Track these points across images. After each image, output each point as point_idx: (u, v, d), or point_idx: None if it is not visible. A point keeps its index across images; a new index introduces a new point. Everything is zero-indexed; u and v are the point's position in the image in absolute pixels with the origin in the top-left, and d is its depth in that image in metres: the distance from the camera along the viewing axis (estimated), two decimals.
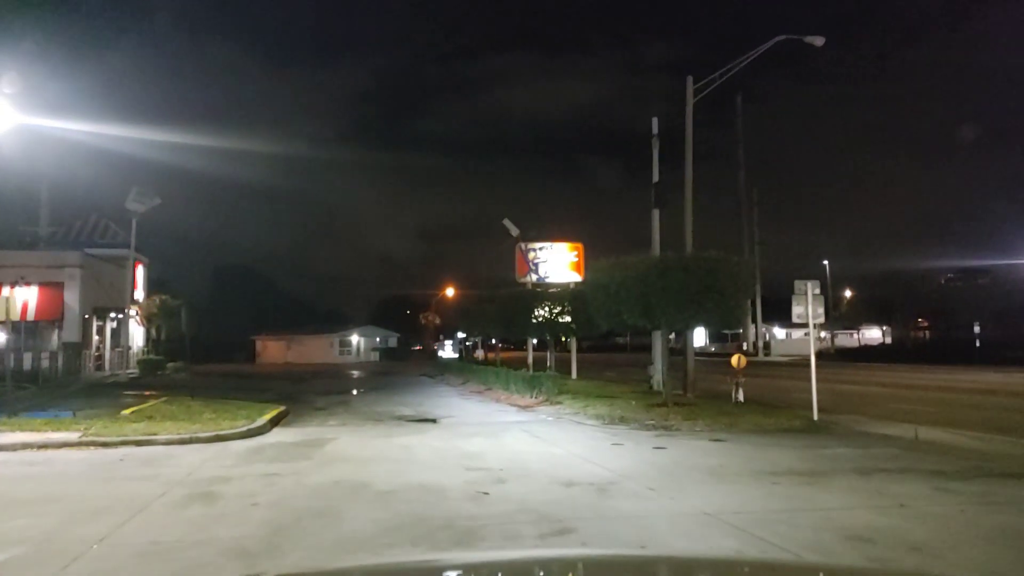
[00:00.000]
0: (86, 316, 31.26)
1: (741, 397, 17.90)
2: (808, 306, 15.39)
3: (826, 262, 63.41)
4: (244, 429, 13.12)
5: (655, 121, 24.87)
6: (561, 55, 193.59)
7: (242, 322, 76.96)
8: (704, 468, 9.38)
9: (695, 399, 18.81)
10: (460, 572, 2.85)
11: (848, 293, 71.74)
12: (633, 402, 17.79)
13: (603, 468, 9.50)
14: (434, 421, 15.82)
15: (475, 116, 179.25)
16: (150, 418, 14.33)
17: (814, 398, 15.06)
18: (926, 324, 59.56)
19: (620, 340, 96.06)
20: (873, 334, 72.45)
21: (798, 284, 15.42)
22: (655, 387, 23.72)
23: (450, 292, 67.39)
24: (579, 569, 2.81)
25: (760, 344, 73.36)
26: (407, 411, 18.24)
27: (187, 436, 12.22)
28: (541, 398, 19.68)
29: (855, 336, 73.16)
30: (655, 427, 14.12)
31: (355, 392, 26.33)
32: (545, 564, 3.04)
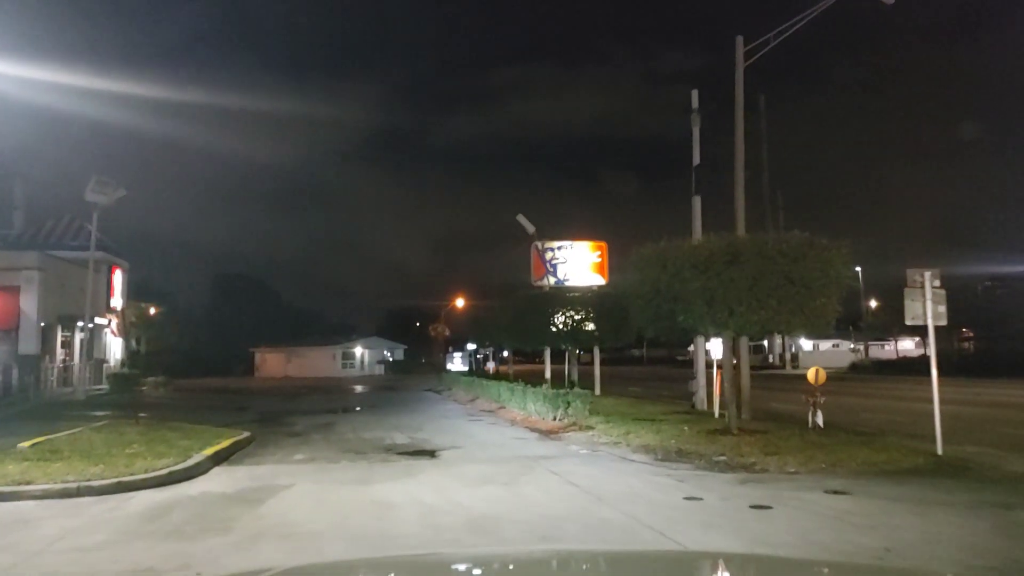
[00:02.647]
0: (45, 325, 27.74)
1: (820, 421, 14.11)
2: (926, 302, 11.65)
3: (859, 268, 59.29)
4: (164, 472, 9.44)
5: (695, 94, 21.32)
6: (577, 66, 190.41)
7: (243, 334, 73.42)
8: (865, 556, 5.64)
9: (760, 423, 15.06)
10: (470, 564, 2.74)
11: (873, 303, 67.38)
12: (685, 427, 14.05)
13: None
14: (432, 455, 12.12)
15: (490, 128, 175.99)
16: (52, 454, 10.68)
17: (937, 425, 11.32)
18: (970, 334, 55.29)
19: (636, 352, 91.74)
20: (904, 345, 68.08)
21: (912, 274, 11.67)
22: (698, 405, 20.08)
23: (460, 303, 63.69)
24: (599, 563, 2.77)
25: (787, 356, 69.16)
26: (400, 439, 14.55)
27: (75, 485, 8.55)
28: (567, 421, 15.96)
29: (886, 347, 68.83)
30: (730, 466, 10.38)
31: (346, 411, 22.66)
32: (562, 558, 2.98)
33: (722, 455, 11.01)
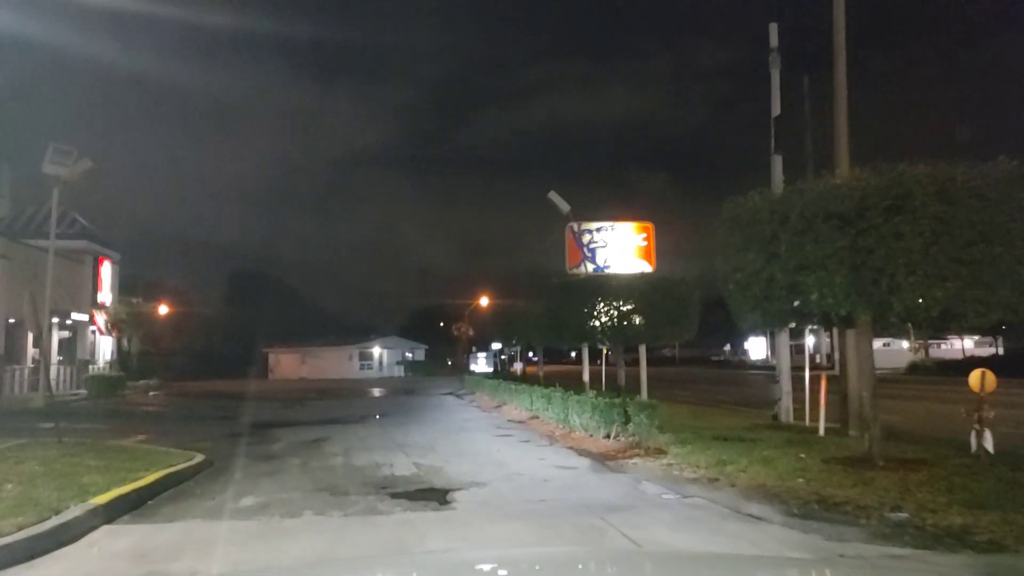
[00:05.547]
0: (13, 321, 24.31)
1: (990, 445, 9.96)
2: None
3: None
4: None
5: (773, 29, 17.26)
6: (607, 62, 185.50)
7: (259, 334, 70.00)
8: None
9: (893, 445, 10.94)
10: (492, 565, 2.69)
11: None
12: (802, 455, 10.01)
13: None
14: (442, 499, 8.17)
15: (519, 126, 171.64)
16: None
17: None
18: None
19: (667, 352, 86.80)
20: (961, 343, 62.69)
21: None
22: (783, 417, 16.08)
23: (484, 301, 59.73)
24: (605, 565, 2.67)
25: (836, 355, 64.25)
26: (402, 466, 10.65)
27: None
28: (626, 440, 11.98)
29: (943, 347, 63.58)
30: (928, 532, 6.32)
31: (348, 422, 18.85)
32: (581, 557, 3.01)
33: (897, 509, 6.96)
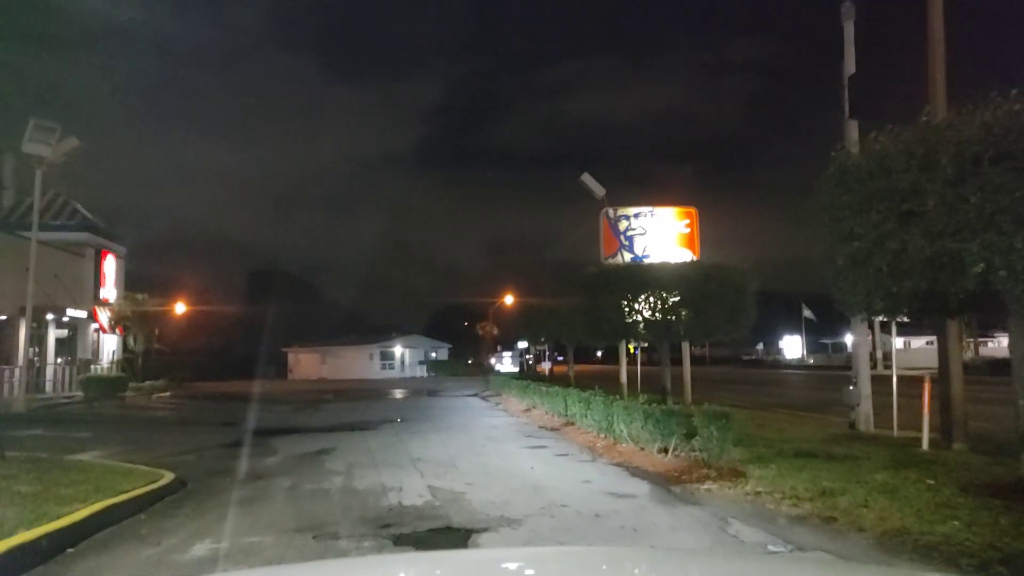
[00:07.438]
0: (5, 318, 22.56)
1: None
2: None
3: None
4: None
5: None
6: (638, 58, 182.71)
7: (280, 333, 68.43)
8: None
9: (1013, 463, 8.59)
10: (518, 563, 2.53)
11: None
12: (929, 480, 7.72)
13: None
14: (462, 548, 6.00)
15: (548, 125, 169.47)
16: None
17: None
18: None
19: (696, 351, 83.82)
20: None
21: None
22: (861, 425, 13.80)
23: (509, 299, 57.51)
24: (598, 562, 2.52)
25: (879, 355, 61.25)
26: (414, 491, 8.49)
27: None
28: (687, 456, 9.76)
29: (990, 344, 60.32)
30: None
31: (359, 429, 16.77)
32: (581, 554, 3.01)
33: None
